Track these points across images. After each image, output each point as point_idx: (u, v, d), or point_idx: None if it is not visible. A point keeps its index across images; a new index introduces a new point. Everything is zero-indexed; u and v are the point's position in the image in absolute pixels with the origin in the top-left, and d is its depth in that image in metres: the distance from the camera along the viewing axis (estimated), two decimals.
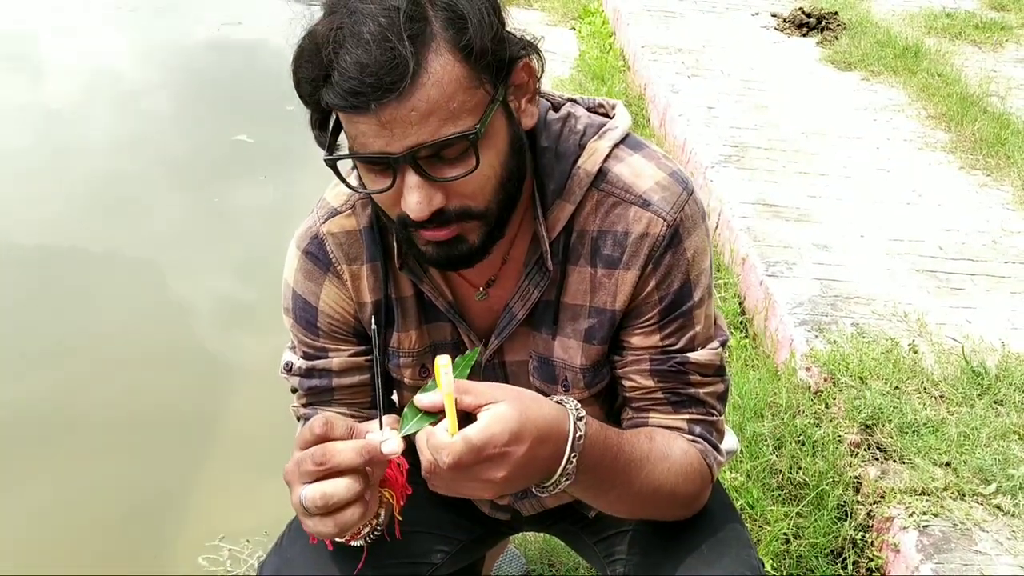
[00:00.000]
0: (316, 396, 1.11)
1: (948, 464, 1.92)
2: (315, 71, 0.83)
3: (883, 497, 1.88)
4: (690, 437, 1.05)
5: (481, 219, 0.91)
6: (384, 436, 0.84)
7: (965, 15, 4.96)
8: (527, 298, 1.05)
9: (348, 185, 0.94)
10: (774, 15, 4.94)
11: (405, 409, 0.86)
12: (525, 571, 1.90)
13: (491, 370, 1.11)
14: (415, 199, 0.86)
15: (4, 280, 3.16)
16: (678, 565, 1.07)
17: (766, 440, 2.11)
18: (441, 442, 0.80)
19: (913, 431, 2.01)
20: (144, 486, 2.34)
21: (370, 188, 0.90)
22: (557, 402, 0.89)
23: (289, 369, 1.12)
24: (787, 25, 4.77)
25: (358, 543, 0.96)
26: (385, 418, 0.87)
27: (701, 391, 1.06)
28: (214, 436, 2.49)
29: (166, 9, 5.86)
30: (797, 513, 1.93)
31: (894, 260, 2.74)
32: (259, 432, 2.45)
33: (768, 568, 1.83)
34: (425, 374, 1.11)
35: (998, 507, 1.83)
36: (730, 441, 1.24)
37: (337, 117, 0.88)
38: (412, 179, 0.85)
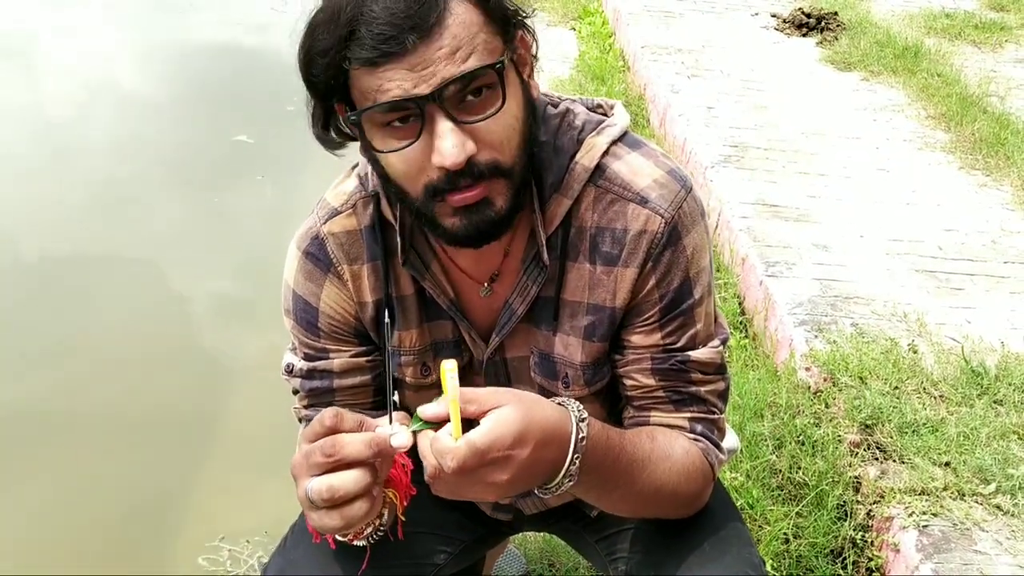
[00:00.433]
0: (317, 397, 1.11)
1: (948, 464, 1.92)
2: (335, 35, 0.84)
3: (883, 497, 1.88)
4: (691, 436, 1.05)
5: (508, 177, 0.91)
6: (394, 430, 0.84)
7: (964, 15, 4.97)
8: (526, 294, 1.05)
9: (371, 149, 0.90)
10: (774, 15, 4.94)
11: (413, 418, 0.86)
12: (525, 571, 1.90)
13: (492, 367, 1.11)
14: (450, 143, 0.85)
15: (4, 280, 3.16)
16: (680, 563, 1.07)
17: (766, 440, 2.11)
18: (445, 446, 0.80)
19: (913, 431, 2.01)
20: (144, 486, 2.34)
21: (394, 148, 0.88)
22: (559, 404, 0.89)
23: (290, 371, 1.12)
24: (787, 25, 4.77)
25: (361, 543, 0.96)
26: (395, 415, 0.87)
27: (702, 389, 1.06)
28: (214, 436, 2.49)
29: (166, 10, 5.87)
30: (797, 513, 1.93)
31: (894, 260, 2.74)
32: (259, 432, 2.45)
33: (768, 568, 1.83)
34: (427, 372, 1.11)
35: (998, 507, 1.83)
36: (731, 440, 1.24)
37: (345, 97, 0.88)
38: (443, 124, 0.85)
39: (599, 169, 1.01)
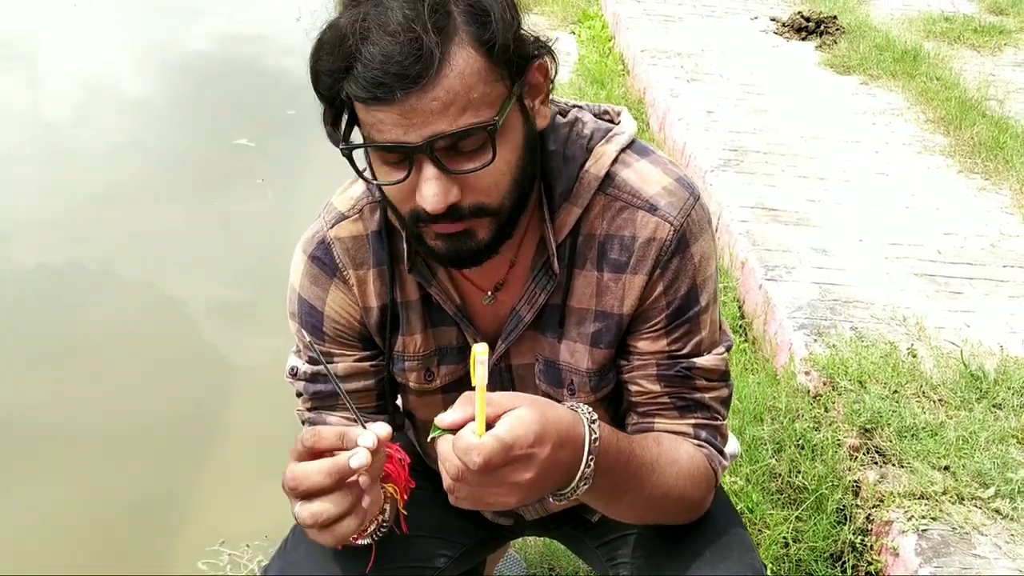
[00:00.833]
0: (320, 400, 1.12)
1: (947, 468, 1.92)
2: (337, 63, 0.83)
3: (882, 501, 1.88)
4: (695, 442, 1.06)
5: (494, 216, 0.92)
6: (352, 451, 0.84)
7: (964, 19, 4.97)
8: (534, 302, 1.05)
9: (362, 176, 0.93)
10: (773, 19, 4.95)
11: (432, 427, 0.85)
12: (525, 574, 1.90)
13: (497, 374, 1.11)
14: (432, 191, 0.86)
15: (5, 282, 3.17)
16: (682, 568, 1.07)
17: (765, 444, 2.11)
18: (470, 443, 0.79)
19: (912, 435, 2.01)
20: (144, 490, 2.34)
21: (384, 181, 0.90)
22: (569, 407, 0.89)
23: (294, 374, 1.12)
24: (786, 29, 4.78)
25: (364, 542, 0.97)
26: (374, 425, 0.87)
27: (706, 396, 1.06)
28: (214, 440, 2.49)
29: (167, 13, 5.87)
30: (796, 517, 1.94)
31: (893, 264, 2.74)
32: (260, 436, 2.46)
33: (768, 572, 1.83)
34: (430, 378, 1.12)
35: (997, 511, 1.83)
36: (732, 445, 1.25)
37: (352, 110, 0.88)
38: (429, 171, 0.86)
39: (608, 177, 1.02)
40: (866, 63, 4.31)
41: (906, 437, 2.01)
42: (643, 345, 1.05)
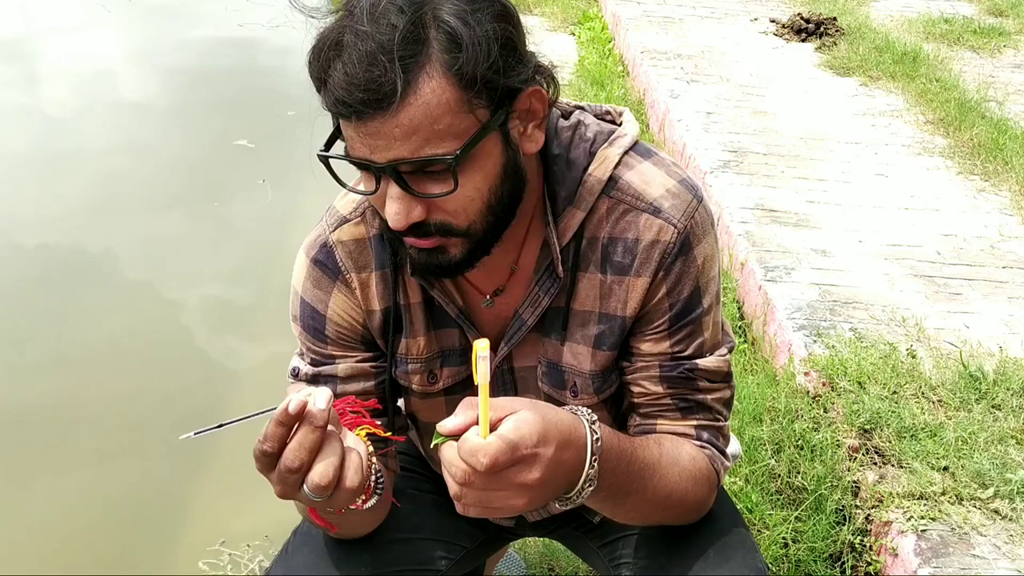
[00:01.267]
0: None
1: (946, 468, 1.93)
2: (316, 73, 0.86)
3: (881, 501, 1.88)
4: (698, 443, 1.06)
5: (463, 236, 0.92)
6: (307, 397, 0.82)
7: (963, 21, 4.98)
8: (537, 304, 1.05)
9: (339, 181, 0.94)
10: (773, 21, 4.95)
11: (434, 434, 0.84)
12: (525, 574, 1.90)
13: (500, 376, 1.12)
14: (393, 210, 0.88)
15: (4, 284, 3.17)
16: (684, 569, 1.08)
17: (765, 444, 2.12)
18: (476, 444, 0.79)
19: (911, 436, 2.02)
20: (145, 489, 2.34)
21: (360, 189, 0.93)
22: (570, 410, 0.89)
23: (296, 374, 1.13)
24: (786, 31, 4.79)
25: (372, 502, 0.94)
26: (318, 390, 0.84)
27: (709, 397, 1.07)
28: (215, 440, 2.49)
29: (168, 14, 5.88)
30: (796, 517, 1.94)
31: (892, 265, 2.75)
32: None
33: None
34: (433, 380, 1.12)
35: (996, 511, 1.84)
36: (734, 446, 1.25)
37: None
38: (393, 190, 0.88)
39: (612, 180, 1.02)
40: (866, 64, 4.32)
41: (905, 438, 2.01)
42: (646, 347, 1.06)
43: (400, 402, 1.18)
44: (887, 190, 3.22)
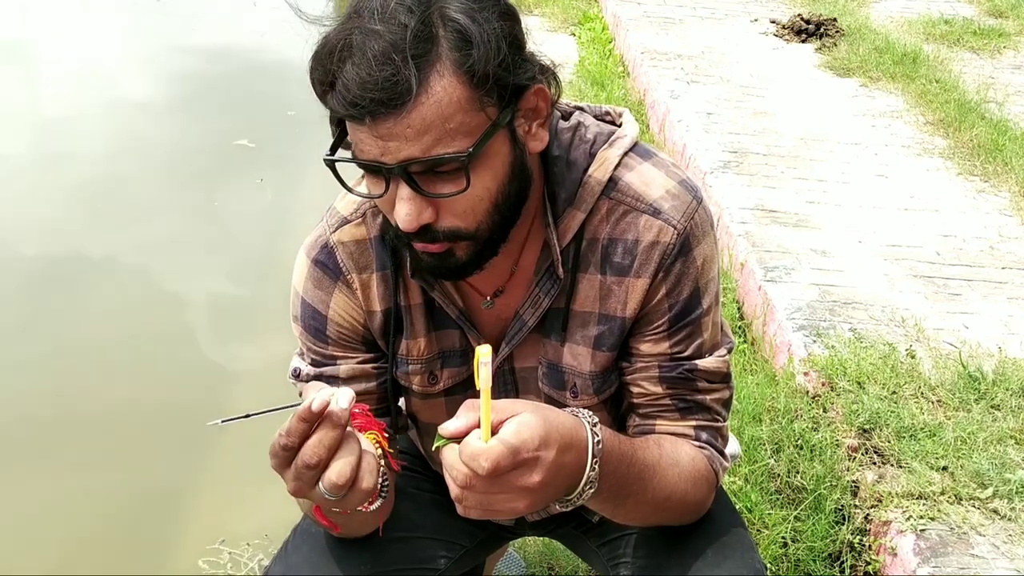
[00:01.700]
0: None
1: (945, 468, 1.93)
2: (323, 76, 0.85)
3: (880, 501, 1.89)
4: (697, 443, 1.07)
5: (471, 240, 0.93)
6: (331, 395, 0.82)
7: (963, 22, 4.98)
8: (538, 305, 1.06)
9: (345, 186, 0.95)
10: (773, 21, 4.95)
11: (436, 436, 0.84)
12: (524, 573, 1.91)
13: (501, 377, 1.12)
14: (404, 211, 0.88)
15: (4, 284, 3.17)
16: (683, 568, 1.08)
17: (764, 444, 2.12)
18: (477, 448, 0.79)
19: (910, 435, 2.02)
20: (145, 489, 2.34)
21: (370, 191, 0.92)
22: (570, 412, 0.89)
23: (297, 375, 1.13)
24: (786, 31, 4.79)
25: (376, 505, 0.95)
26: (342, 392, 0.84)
27: (708, 398, 1.07)
28: (215, 439, 2.49)
29: (168, 14, 5.88)
30: (795, 517, 1.94)
31: (892, 265, 2.75)
32: (260, 435, 2.44)
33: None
34: (433, 381, 1.12)
35: (995, 511, 1.84)
36: (733, 446, 1.25)
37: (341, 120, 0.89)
38: (404, 191, 0.87)
39: (612, 181, 1.02)
40: (866, 65, 4.32)
41: (904, 438, 2.01)
42: (645, 347, 1.06)
43: (401, 402, 1.18)
44: (887, 191, 3.23)
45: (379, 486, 0.93)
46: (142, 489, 2.34)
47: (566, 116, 1.06)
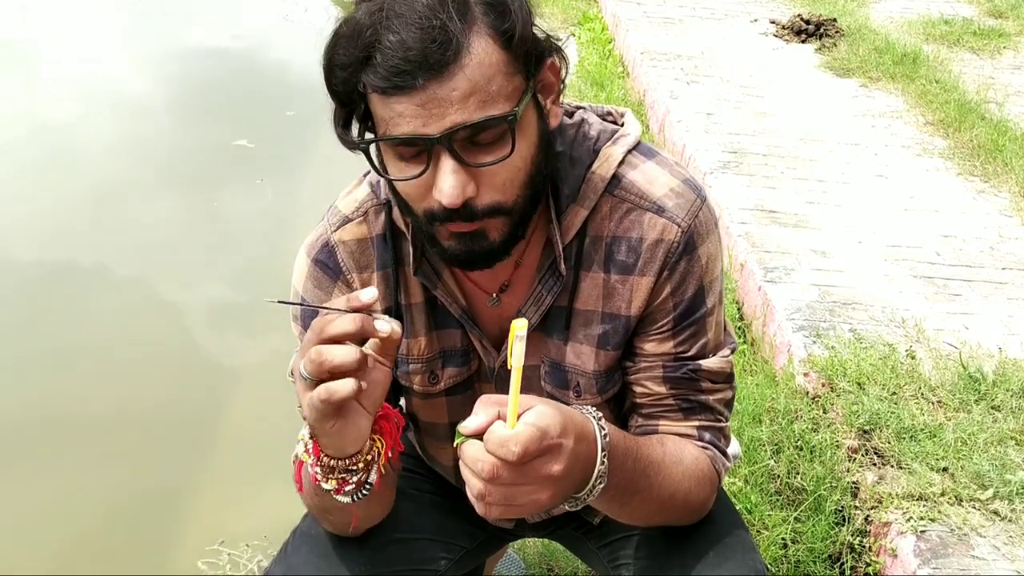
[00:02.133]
0: None
1: (945, 469, 1.93)
2: (354, 55, 0.83)
3: (881, 502, 1.88)
4: (699, 443, 1.06)
5: (507, 215, 0.92)
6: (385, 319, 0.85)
7: (963, 22, 4.98)
8: (540, 303, 1.05)
9: (378, 171, 0.92)
10: (773, 22, 4.95)
11: (456, 434, 0.83)
12: (524, 574, 1.90)
13: (503, 375, 1.11)
14: (450, 183, 0.86)
15: (4, 284, 3.17)
16: (683, 569, 1.08)
17: (764, 445, 2.12)
18: (505, 434, 0.77)
19: (911, 436, 2.02)
20: (144, 490, 2.34)
21: (400, 176, 0.89)
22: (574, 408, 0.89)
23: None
24: (786, 32, 4.79)
25: (344, 499, 0.94)
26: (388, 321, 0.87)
27: (711, 398, 1.07)
28: (214, 440, 2.49)
29: (167, 14, 5.88)
30: (795, 518, 1.94)
31: (892, 266, 2.75)
32: (259, 436, 2.46)
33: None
34: (434, 380, 1.12)
35: (995, 512, 1.84)
36: (734, 446, 1.25)
37: (365, 106, 0.88)
38: (448, 164, 0.86)
39: (615, 179, 1.02)
40: (865, 66, 4.32)
41: (905, 438, 2.01)
42: (650, 347, 1.06)
43: (401, 402, 1.18)
44: (887, 191, 3.22)
45: (353, 492, 0.93)
46: (142, 489, 2.34)
47: (569, 114, 1.06)
